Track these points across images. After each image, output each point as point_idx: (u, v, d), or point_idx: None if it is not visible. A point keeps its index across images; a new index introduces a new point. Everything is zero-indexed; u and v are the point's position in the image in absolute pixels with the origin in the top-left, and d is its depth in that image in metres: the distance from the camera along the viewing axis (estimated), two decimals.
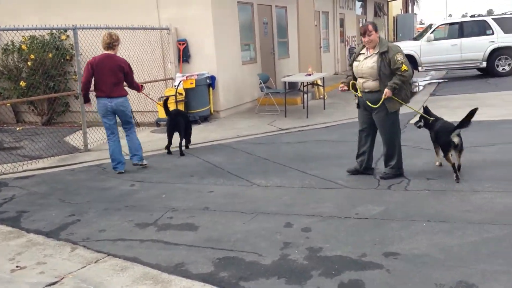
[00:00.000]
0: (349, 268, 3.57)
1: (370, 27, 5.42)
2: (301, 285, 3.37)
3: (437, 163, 5.97)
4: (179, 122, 7.50)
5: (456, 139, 5.40)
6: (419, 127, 6.00)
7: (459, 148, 5.48)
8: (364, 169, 5.83)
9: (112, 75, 6.37)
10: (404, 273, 3.45)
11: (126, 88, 6.72)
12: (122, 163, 6.65)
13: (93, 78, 6.46)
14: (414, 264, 3.57)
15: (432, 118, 5.81)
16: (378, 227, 4.29)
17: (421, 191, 5.16)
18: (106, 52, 6.46)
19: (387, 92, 5.34)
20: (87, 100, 6.72)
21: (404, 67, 5.31)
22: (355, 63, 5.67)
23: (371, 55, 5.50)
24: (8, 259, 4.08)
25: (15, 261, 4.03)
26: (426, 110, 5.93)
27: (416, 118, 6.13)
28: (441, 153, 5.67)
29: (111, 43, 6.43)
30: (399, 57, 5.33)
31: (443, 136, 5.49)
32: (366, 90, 5.57)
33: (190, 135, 7.84)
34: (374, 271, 3.51)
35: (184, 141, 7.60)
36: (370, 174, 5.82)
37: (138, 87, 6.83)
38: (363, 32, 5.44)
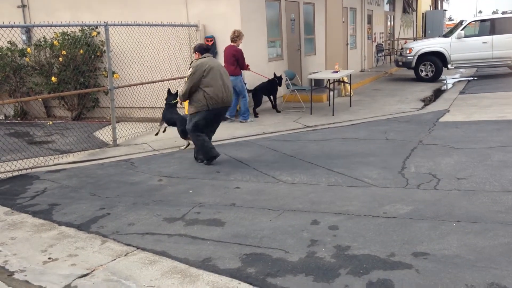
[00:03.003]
0: (378, 267, 3.54)
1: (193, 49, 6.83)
2: (329, 283, 3.37)
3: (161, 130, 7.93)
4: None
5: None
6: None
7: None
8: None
9: (229, 60, 9.22)
10: (434, 274, 3.40)
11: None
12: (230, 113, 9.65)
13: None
14: (444, 265, 3.52)
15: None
16: (407, 226, 4.24)
17: (451, 190, 5.08)
18: (230, 43, 9.31)
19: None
20: None
21: (186, 79, 6.49)
22: None
23: None
24: (41, 251, 4.19)
25: (47, 253, 4.13)
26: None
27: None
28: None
29: (233, 38, 9.26)
30: (188, 72, 6.46)
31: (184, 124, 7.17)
32: None
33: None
34: (403, 271, 3.47)
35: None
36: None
37: (246, 68, 9.54)
38: None
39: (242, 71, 9.60)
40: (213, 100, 6.43)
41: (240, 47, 10.32)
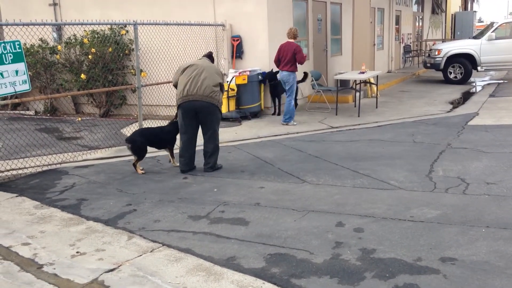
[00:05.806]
0: (404, 271, 3.50)
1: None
2: (354, 286, 3.34)
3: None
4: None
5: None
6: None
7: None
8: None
9: (286, 56, 9.05)
10: (462, 280, 3.34)
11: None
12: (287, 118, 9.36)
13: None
14: (473, 271, 3.45)
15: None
16: (434, 231, 4.17)
17: (481, 195, 4.98)
18: (288, 40, 9.20)
19: None
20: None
21: None
22: None
23: None
24: (69, 244, 4.27)
25: (75, 247, 4.21)
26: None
27: None
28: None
29: (287, 34, 9.23)
30: None
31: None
32: None
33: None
34: (430, 276, 3.42)
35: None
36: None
37: (302, 62, 9.26)
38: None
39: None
40: (179, 95, 6.15)
41: (267, 46, 10.36)
